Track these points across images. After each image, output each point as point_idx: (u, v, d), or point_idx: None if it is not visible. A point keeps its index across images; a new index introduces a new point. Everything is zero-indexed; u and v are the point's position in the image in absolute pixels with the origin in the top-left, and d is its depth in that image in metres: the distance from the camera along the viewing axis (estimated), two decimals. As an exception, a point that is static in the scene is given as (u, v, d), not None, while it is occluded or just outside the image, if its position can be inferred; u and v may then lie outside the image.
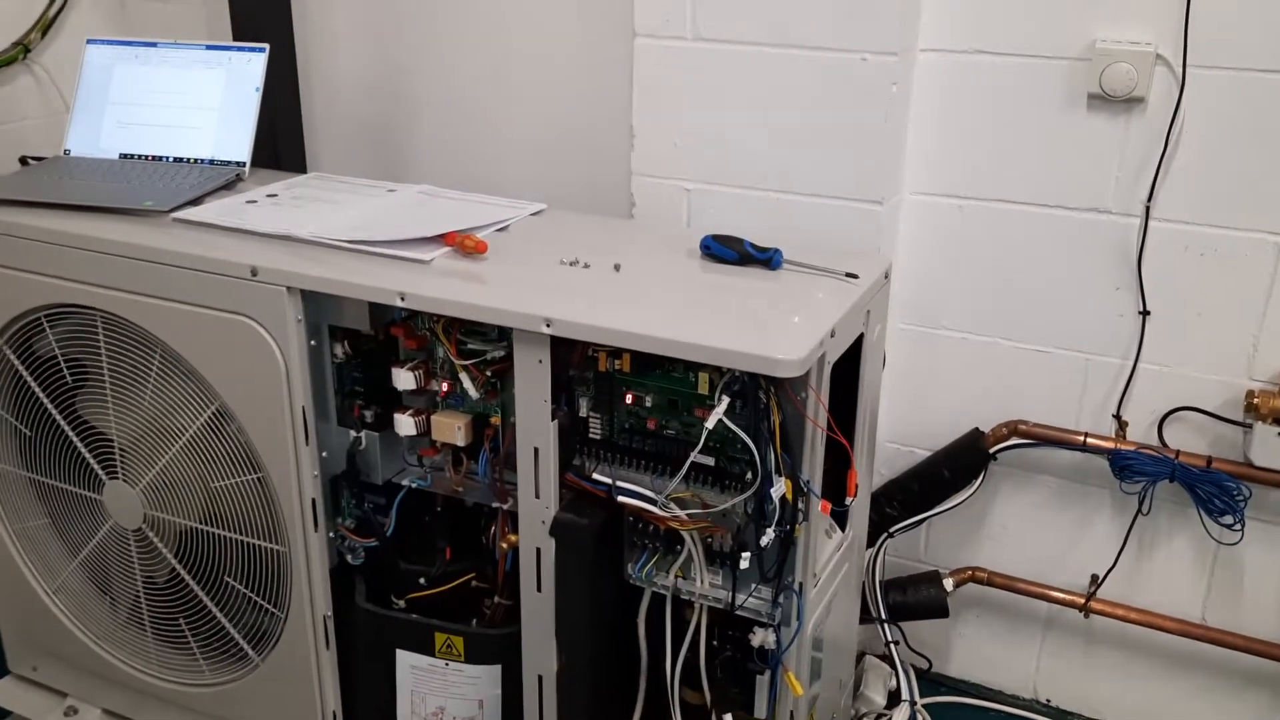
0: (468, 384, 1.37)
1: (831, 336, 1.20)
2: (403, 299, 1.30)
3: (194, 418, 1.50)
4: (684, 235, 1.48)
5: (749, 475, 1.25)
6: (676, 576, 1.35)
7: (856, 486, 1.22)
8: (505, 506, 1.42)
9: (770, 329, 1.20)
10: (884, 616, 1.82)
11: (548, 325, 1.22)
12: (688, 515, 1.28)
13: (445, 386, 1.41)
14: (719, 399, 1.20)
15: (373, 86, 2.08)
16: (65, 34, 2.07)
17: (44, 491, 1.70)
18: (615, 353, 1.28)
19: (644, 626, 1.43)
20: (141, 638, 1.72)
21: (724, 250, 1.37)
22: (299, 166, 2.07)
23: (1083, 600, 1.80)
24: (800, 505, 1.20)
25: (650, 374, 1.28)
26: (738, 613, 1.32)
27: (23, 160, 1.78)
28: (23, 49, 2.02)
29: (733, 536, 1.29)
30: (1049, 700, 1.97)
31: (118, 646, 1.74)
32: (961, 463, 1.79)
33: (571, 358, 1.30)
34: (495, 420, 1.40)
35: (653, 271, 1.36)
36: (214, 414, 1.48)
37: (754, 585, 1.30)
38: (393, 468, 1.50)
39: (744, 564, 1.23)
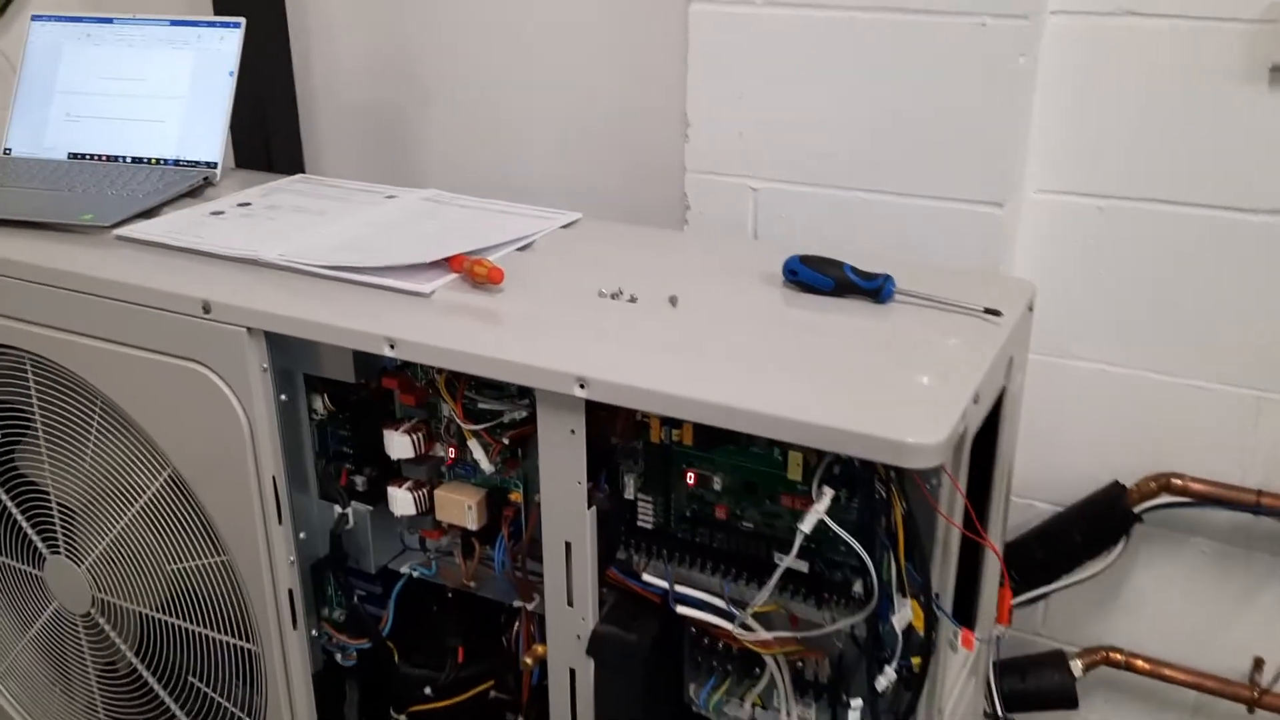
0: (479, 454, 1.05)
1: (975, 403, 0.87)
2: (392, 347, 0.98)
3: (144, 486, 1.20)
4: (759, 254, 1.15)
5: (856, 585, 0.92)
6: (754, 705, 1.03)
7: (1011, 610, 0.89)
8: (530, 606, 1.10)
9: (894, 396, 0.86)
10: (1001, 714, 1.48)
11: (582, 386, 0.90)
12: (774, 637, 0.95)
13: (452, 452, 1.10)
14: (818, 491, 0.87)
15: (378, 72, 1.76)
16: (28, 10, 1.77)
17: (-19, 560, 1.42)
18: (673, 421, 0.95)
19: (708, 762, 1.11)
20: (100, 735, 1.43)
21: (816, 277, 1.03)
22: (294, 168, 1.76)
23: (1252, 692, 1.46)
24: (930, 633, 0.87)
25: (720, 448, 0.95)
26: (838, 761, 0.99)
27: (-45, 162, 1.49)
28: (-26, 30, 1.73)
29: (831, 663, 0.97)
30: (1196, 804, 1.62)
31: (73, 746, 1.46)
32: (1098, 525, 1.45)
33: (615, 423, 0.98)
34: (515, 497, 1.08)
35: (721, 306, 1.03)
36: (167, 482, 1.18)
37: (859, 727, 0.98)
38: (388, 551, 1.19)
39: (854, 714, 0.91)
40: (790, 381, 0.88)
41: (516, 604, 1.11)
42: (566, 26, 1.60)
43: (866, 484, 0.86)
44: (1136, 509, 1.43)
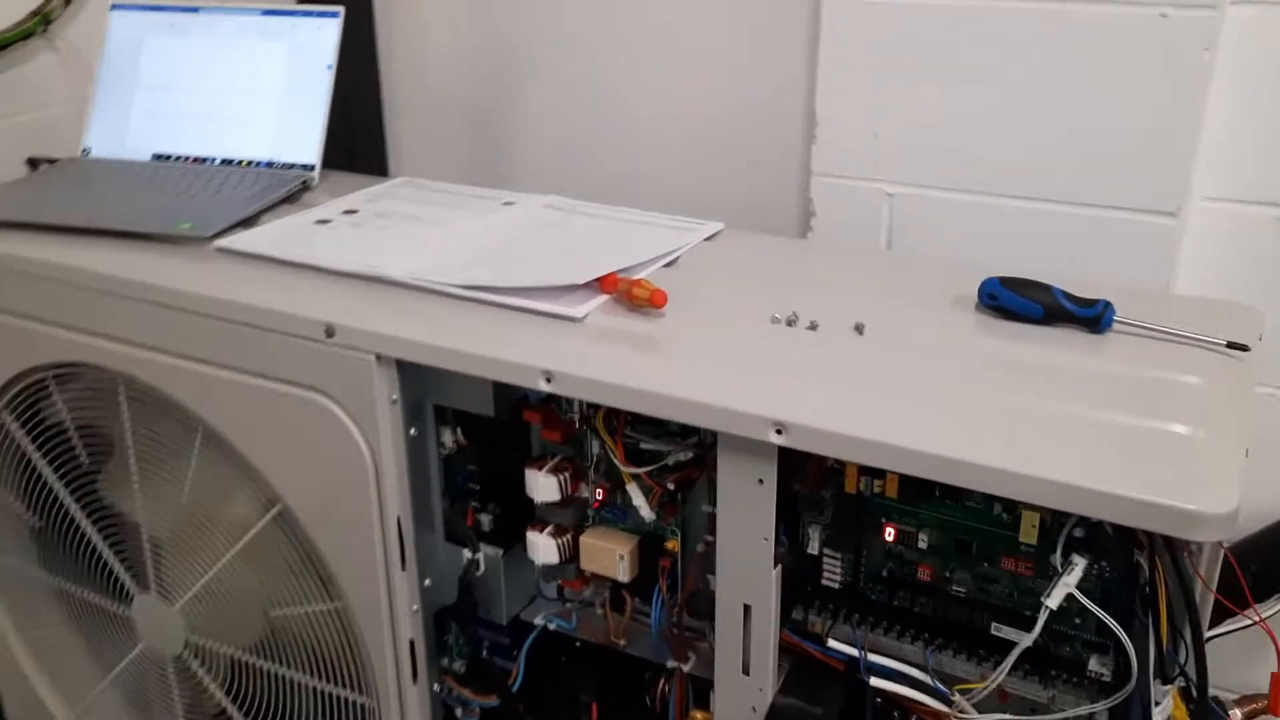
0: (638, 500, 0.93)
1: (1245, 456, 0.74)
2: (549, 380, 0.86)
3: (249, 522, 1.09)
4: (945, 273, 1.03)
5: (1092, 663, 0.80)
6: (944, 787, 0.91)
7: (1288, 701, 0.78)
8: (686, 667, 0.99)
9: (1155, 451, 0.74)
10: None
11: (779, 432, 0.78)
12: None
13: (600, 494, 0.98)
14: (1064, 561, 0.75)
15: (469, 65, 1.64)
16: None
17: (63, 594, 1.31)
18: (875, 470, 0.83)
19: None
20: (186, 779, 1.32)
21: (1023, 303, 0.91)
22: (379, 169, 1.65)
23: None
24: (1193, 726, 0.75)
25: (929, 502, 0.84)
26: None
27: (31, 163, 1.38)
28: (42, 20, 1.61)
29: (1052, 748, 0.85)
30: None
31: (157, 789, 1.35)
32: (1259, 571, 1.32)
33: (805, 471, 0.86)
34: (673, 546, 0.97)
35: (915, 336, 0.91)
36: (275, 520, 1.07)
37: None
38: (521, 599, 1.08)
39: (1099, 821, 0.79)
40: (1024, 430, 0.76)
41: (670, 665, 1.00)
42: (680, 16, 1.47)
43: (1122, 553, 0.74)
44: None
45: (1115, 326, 0.90)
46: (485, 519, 1.06)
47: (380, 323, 0.95)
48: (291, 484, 1.04)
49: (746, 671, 0.89)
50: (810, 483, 0.86)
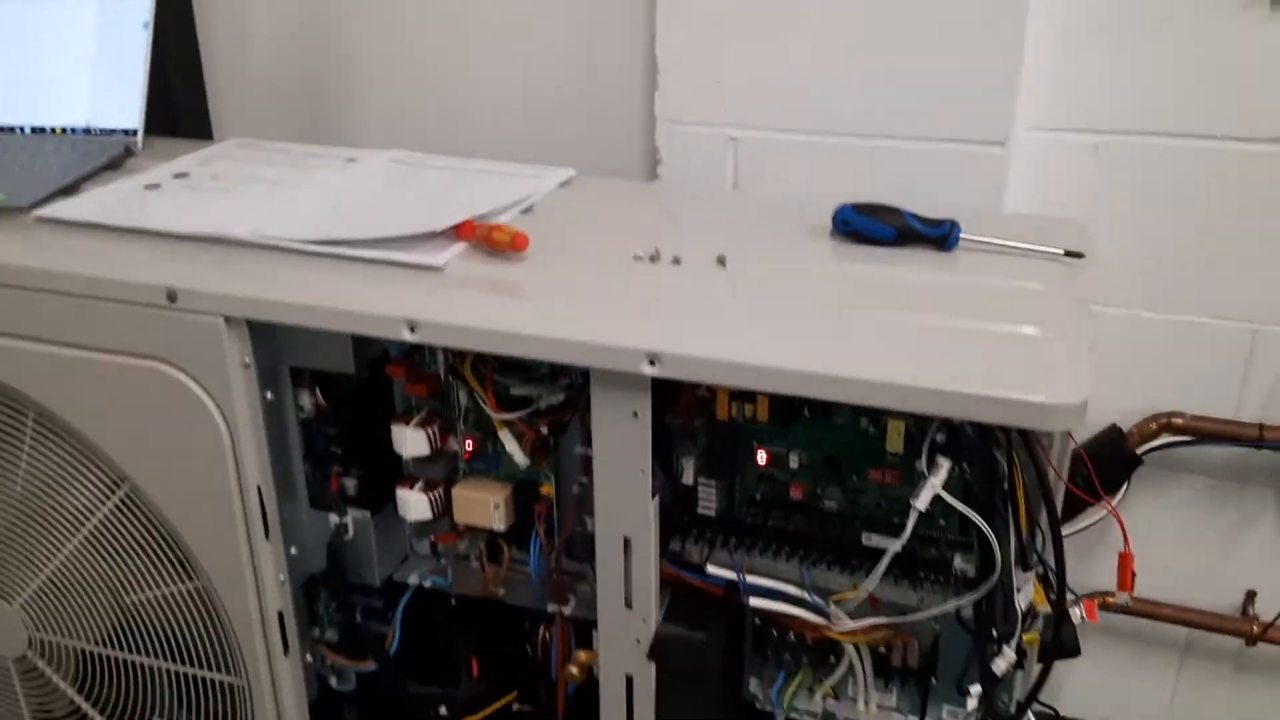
0: (513, 447, 0.92)
1: (1090, 353, 0.79)
2: (413, 330, 0.84)
3: (94, 506, 1.03)
4: (796, 207, 1.05)
5: (957, 562, 0.85)
6: (826, 698, 0.95)
7: (1134, 576, 0.83)
8: (566, 610, 0.99)
9: (1008, 353, 0.78)
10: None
11: (653, 363, 0.79)
12: (873, 624, 0.87)
13: (470, 445, 0.97)
14: (933, 464, 0.78)
15: (293, 23, 1.58)
16: None
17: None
18: (746, 395, 0.85)
19: (771, 760, 1.03)
20: (40, 788, 1.25)
21: (874, 226, 0.94)
22: (203, 133, 1.57)
23: (1249, 626, 1.46)
24: (1061, 607, 0.80)
25: (798, 422, 0.86)
26: (928, 750, 0.92)
27: None
28: None
29: (922, 649, 0.89)
30: (1185, 739, 1.63)
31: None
32: (1100, 470, 1.41)
33: (678, 403, 0.87)
34: (547, 490, 0.97)
35: (776, 265, 0.93)
36: (123, 501, 1.01)
37: (955, 710, 0.91)
38: (393, 559, 1.06)
39: (972, 702, 0.83)
40: (888, 343, 0.79)
41: (550, 609, 0.99)
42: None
43: (982, 452, 0.78)
44: (1139, 450, 1.41)
45: (961, 244, 0.94)
46: (350, 483, 1.03)
47: (227, 283, 0.91)
48: (139, 462, 0.99)
49: (629, 605, 0.90)
50: (682, 414, 0.87)
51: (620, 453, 0.85)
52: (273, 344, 0.94)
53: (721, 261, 0.92)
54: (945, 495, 0.78)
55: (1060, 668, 1.61)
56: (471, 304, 0.87)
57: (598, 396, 0.84)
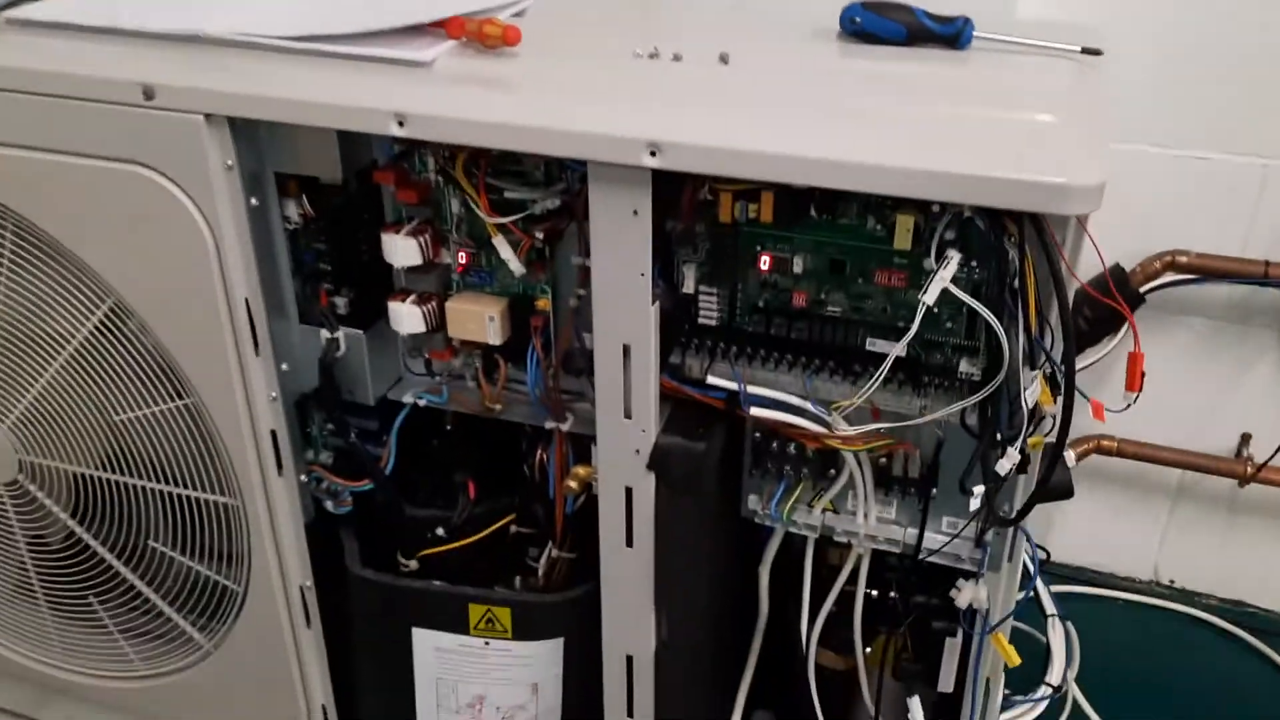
0: (507, 254, 0.90)
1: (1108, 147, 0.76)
2: (401, 124, 0.81)
3: (78, 322, 1.00)
4: (800, 7, 1.00)
5: (963, 365, 0.83)
6: (825, 510, 0.94)
7: (1143, 375, 0.81)
8: (564, 426, 0.98)
9: (1025, 138, 0.75)
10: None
11: (654, 153, 0.76)
12: (875, 430, 0.86)
13: (464, 257, 0.94)
14: (942, 258, 0.76)
15: None
16: None
17: None
18: (748, 194, 0.82)
19: (767, 576, 1.03)
20: (36, 615, 1.25)
21: (885, 24, 0.90)
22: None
23: (1243, 468, 1.46)
24: (1069, 405, 0.78)
25: (804, 225, 0.83)
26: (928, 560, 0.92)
27: None
28: None
29: (923, 455, 0.89)
30: (1173, 581, 1.65)
31: (3, 628, 1.28)
32: (1102, 309, 1.40)
33: (679, 206, 0.84)
34: (543, 304, 0.94)
35: (782, 62, 0.89)
36: (107, 315, 0.99)
37: (955, 522, 0.90)
38: (386, 379, 1.04)
39: (975, 502, 0.82)
40: (899, 132, 0.76)
41: (549, 425, 0.98)
42: None
43: (993, 245, 0.75)
44: (1142, 289, 1.39)
45: (975, 43, 0.90)
46: (341, 301, 1.01)
47: (206, 79, 0.86)
48: (122, 273, 0.96)
49: (629, 415, 0.88)
50: (684, 218, 0.84)
51: (619, 254, 0.82)
52: (256, 146, 0.90)
53: (724, 59, 0.88)
54: (953, 288, 0.75)
55: (1045, 514, 1.63)
56: (462, 97, 0.83)
57: (596, 194, 0.80)
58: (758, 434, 0.92)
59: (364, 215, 0.97)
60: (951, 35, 0.89)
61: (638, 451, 0.90)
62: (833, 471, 0.91)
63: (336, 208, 0.97)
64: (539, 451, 1.03)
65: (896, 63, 0.88)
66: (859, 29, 0.91)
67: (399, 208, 0.95)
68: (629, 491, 0.92)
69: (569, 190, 0.88)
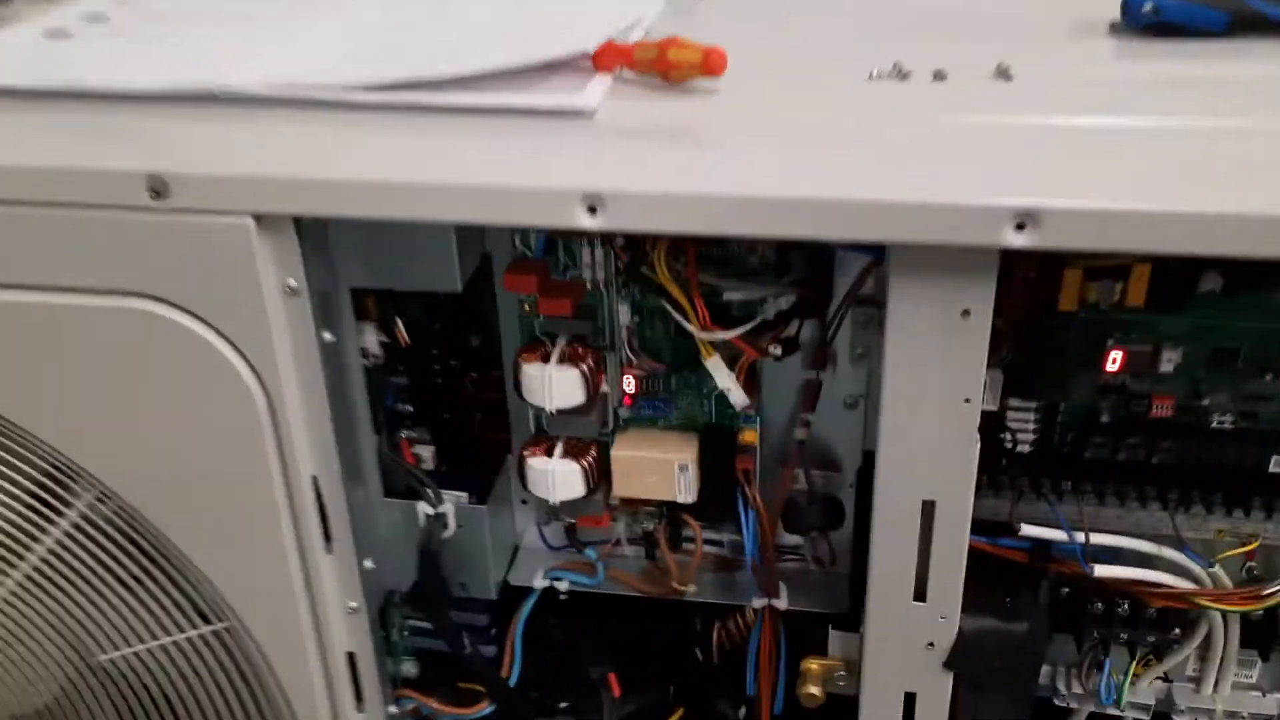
0: (726, 382, 0.61)
1: None
2: (594, 209, 0.52)
3: (37, 530, 0.67)
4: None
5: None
6: (1153, 683, 0.69)
7: None
8: (781, 604, 0.69)
9: None
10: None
11: (1020, 226, 0.49)
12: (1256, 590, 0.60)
13: (632, 385, 0.65)
14: None
15: None
16: None
17: None
18: (1114, 271, 0.56)
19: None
20: None
21: (1197, 12, 0.65)
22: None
23: None
24: None
25: (1186, 306, 0.57)
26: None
27: None
28: None
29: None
30: None
31: None
32: None
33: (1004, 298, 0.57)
34: (749, 437, 0.66)
35: (1083, 75, 0.64)
36: (88, 512, 0.66)
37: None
38: (501, 558, 0.74)
39: None
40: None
41: (757, 604, 0.70)
42: None
43: None
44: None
45: (1317, 34, 0.66)
46: (425, 451, 0.71)
47: (251, 160, 0.55)
48: (116, 461, 0.63)
49: (922, 597, 0.61)
50: (1009, 309, 0.58)
51: (933, 375, 0.55)
52: (326, 253, 0.60)
53: (1004, 74, 0.62)
54: None
55: None
56: (678, 164, 0.54)
57: (901, 290, 0.53)
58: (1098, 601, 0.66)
59: (470, 335, 0.67)
60: (1292, 24, 0.64)
61: (931, 645, 0.62)
62: (1177, 631, 0.66)
63: (429, 327, 0.66)
64: (717, 628, 0.75)
65: (1234, 62, 0.63)
66: (1155, 19, 0.66)
67: (532, 321, 0.66)
68: (909, 699, 0.64)
69: (805, 281, 0.61)
